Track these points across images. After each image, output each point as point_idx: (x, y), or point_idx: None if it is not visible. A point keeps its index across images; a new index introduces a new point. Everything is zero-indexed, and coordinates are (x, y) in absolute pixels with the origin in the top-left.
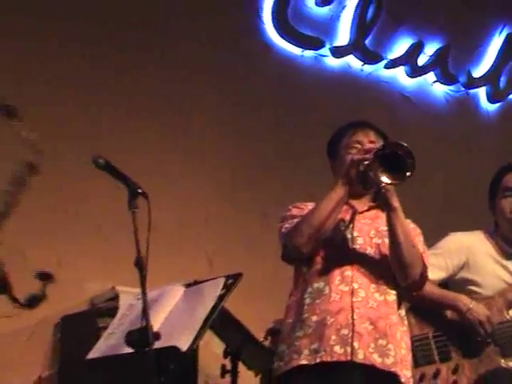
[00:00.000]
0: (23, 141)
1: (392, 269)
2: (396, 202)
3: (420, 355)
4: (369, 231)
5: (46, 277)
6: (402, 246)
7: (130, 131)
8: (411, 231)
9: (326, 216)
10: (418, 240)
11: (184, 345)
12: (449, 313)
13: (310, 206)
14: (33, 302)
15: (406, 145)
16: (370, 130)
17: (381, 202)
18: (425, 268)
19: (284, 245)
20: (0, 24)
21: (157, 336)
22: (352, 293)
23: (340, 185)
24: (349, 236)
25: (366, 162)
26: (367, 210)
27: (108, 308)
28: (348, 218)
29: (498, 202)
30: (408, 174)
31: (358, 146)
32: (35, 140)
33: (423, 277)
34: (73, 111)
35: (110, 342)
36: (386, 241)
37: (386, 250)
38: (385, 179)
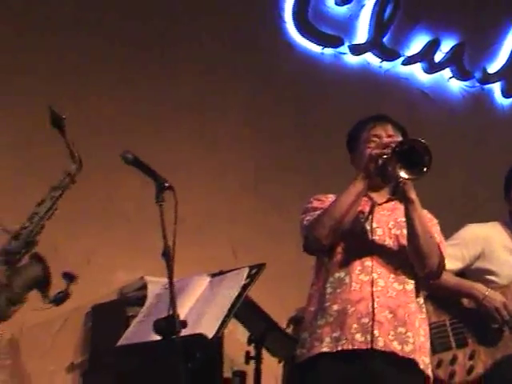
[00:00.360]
0: (69, 152)
1: (410, 259)
2: (413, 195)
3: (437, 343)
4: (388, 222)
5: (70, 277)
6: (420, 237)
7: (156, 127)
8: (428, 222)
9: (346, 209)
10: (435, 230)
11: (210, 332)
12: (465, 301)
13: (331, 198)
14: (58, 300)
15: (423, 141)
16: (388, 123)
17: (399, 195)
18: (442, 258)
19: (305, 236)
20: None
21: (183, 324)
22: (372, 282)
23: (359, 179)
24: (368, 227)
25: (385, 157)
26: (386, 202)
27: (137, 297)
28: (367, 209)
29: None
30: (425, 169)
31: (377, 139)
32: (78, 153)
33: (440, 266)
34: (99, 107)
35: (139, 329)
36: (405, 232)
37: (404, 240)
38: (403, 174)
